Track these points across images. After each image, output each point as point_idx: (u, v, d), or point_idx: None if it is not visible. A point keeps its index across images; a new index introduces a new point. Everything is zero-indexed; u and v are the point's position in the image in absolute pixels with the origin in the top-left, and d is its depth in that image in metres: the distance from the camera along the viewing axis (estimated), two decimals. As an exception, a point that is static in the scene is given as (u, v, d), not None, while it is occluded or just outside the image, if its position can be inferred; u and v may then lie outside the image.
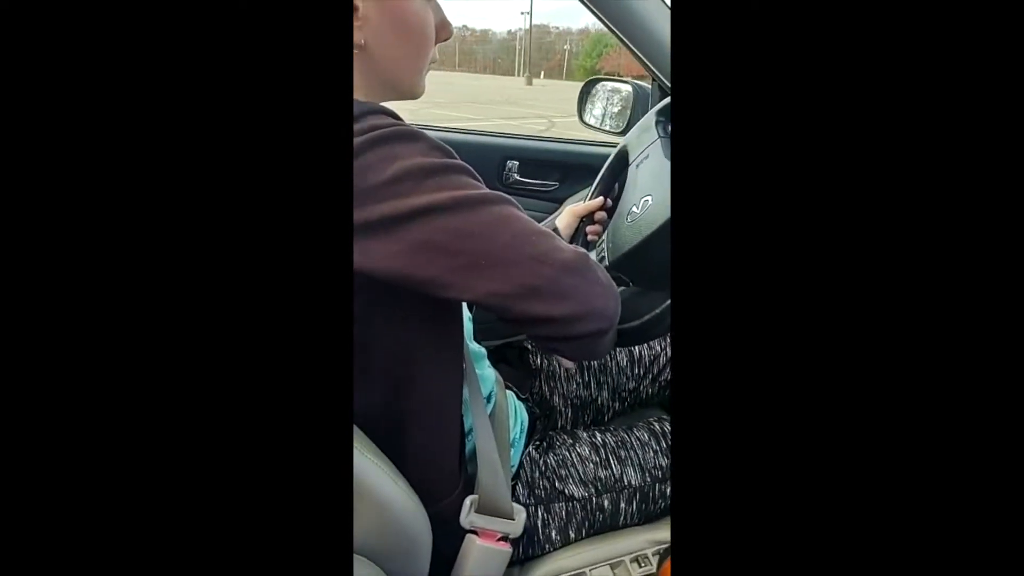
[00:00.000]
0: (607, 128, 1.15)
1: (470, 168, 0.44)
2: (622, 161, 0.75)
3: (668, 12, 0.94)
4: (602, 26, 0.94)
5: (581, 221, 0.79)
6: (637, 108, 1.09)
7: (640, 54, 0.97)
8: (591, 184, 0.82)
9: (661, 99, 0.82)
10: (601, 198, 0.79)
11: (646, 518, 0.67)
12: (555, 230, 0.78)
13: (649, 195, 0.58)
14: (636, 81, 1.12)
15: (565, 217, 0.80)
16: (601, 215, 0.80)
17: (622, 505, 0.65)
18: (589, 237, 0.78)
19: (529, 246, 0.42)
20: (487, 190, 0.43)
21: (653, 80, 1.03)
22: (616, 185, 0.80)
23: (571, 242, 0.78)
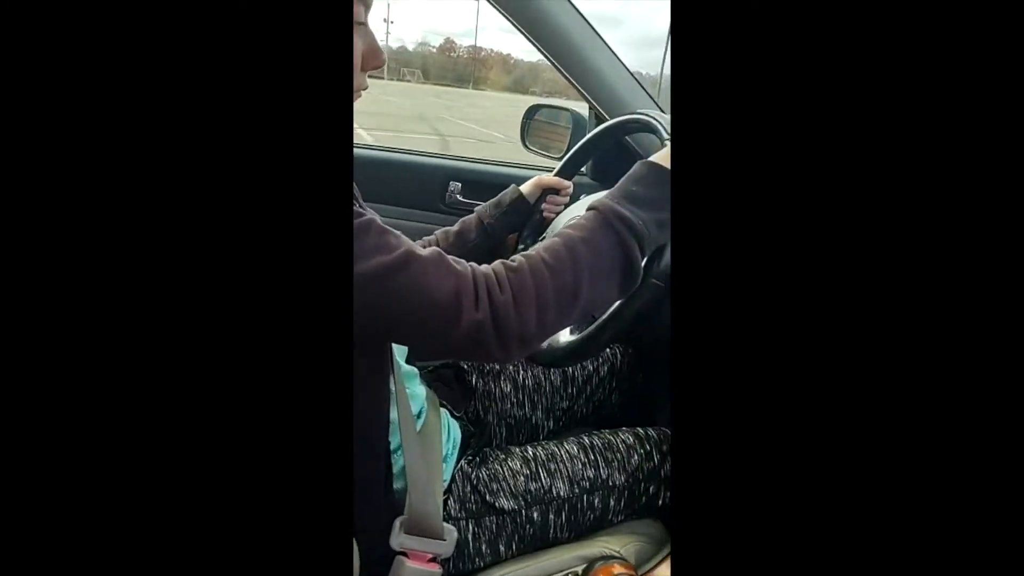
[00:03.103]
0: (548, 154, 1.18)
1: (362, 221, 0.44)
2: (598, 142, 0.82)
3: (598, 37, 0.99)
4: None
5: (544, 192, 0.85)
6: (576, 134, 1.12)
7: (574, 81, 1.01)
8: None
9: (598, 125, 0.86)
10: (569, 183, 0.86)
11: (575, 530, 0.67)
12: (519, 194, 0.84)
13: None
14: (574, 108, 1.16)
15: (530, 185, 0.86)
16: (564, 197, 0.86)
17: (551, 517, 0.66)
18: (545, 214, 0.86)
19: (424, 324, 0.44)
20: (370, 262, 0.43)
21: (591, 108, 1.07)
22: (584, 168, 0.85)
23: (532, 211, 0.85)
